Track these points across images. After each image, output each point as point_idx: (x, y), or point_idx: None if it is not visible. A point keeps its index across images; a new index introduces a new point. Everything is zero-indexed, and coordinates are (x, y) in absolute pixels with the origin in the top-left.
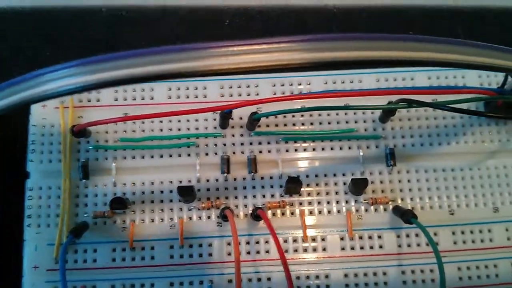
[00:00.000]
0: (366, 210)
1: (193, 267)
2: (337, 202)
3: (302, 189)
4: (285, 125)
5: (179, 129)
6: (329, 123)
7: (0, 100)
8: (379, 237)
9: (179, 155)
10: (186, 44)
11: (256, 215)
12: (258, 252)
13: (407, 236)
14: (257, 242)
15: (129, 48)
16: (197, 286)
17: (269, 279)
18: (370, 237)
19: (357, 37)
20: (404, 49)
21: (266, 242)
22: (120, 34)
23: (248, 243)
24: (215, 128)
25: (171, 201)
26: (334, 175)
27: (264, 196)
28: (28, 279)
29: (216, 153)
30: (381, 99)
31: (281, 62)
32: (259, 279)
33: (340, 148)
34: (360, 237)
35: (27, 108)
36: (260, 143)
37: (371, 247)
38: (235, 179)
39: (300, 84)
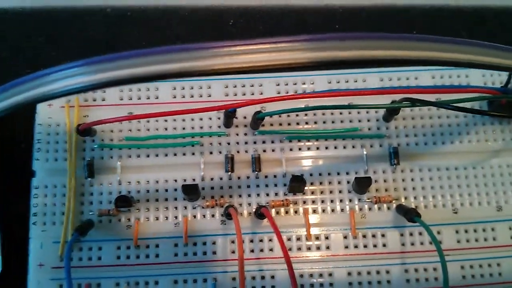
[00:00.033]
0: (369, 209)
1: (197, 265)
2: (341, 200)
3: (305, 188)
4: (289, 124)
5: (183, 128)
6: (333, 122)
7: (7, 99)
8: (383, 235)
9: (184, 154)
10: (189, 44)
11: (260, 213)
12: (261, 250)
13: (411, 234)
14: (261, 240)
15: (130, 48)
16: (201, 284)
17: (272, 277)
18: (373, 236)
19: (360, 36)
20: (407, 48)
21: (270, 240)
22: (121, 34)
23: (252, 241)
24: (219, 127)
25: (175, 199)
26: (338, 173)
27: (268, 195)
28: (33, 276)
29: (220, 152)
30: (385, 98)
31: (285, 62)
32: (262, 277)
33: (344, 147)
34: (364, 236)
35: (33, 108)
36: (264, 142)
37: (375, 246)
38: (239, 178)
39: (304, 84)
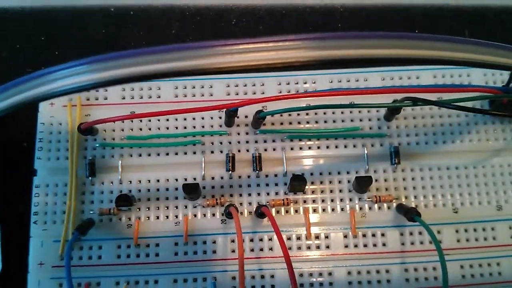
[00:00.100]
0: (370, 208)
1: (197, 264)
2: (341, 200)
3: (306, 187)
4: (290, 123)
5: (185, 127)
6: (334, 121)
7: (8, 98)
8: (383, 235)
9: (185, 153)
10: (192, 42)
11: (260, 212)
12: (261, 250)
13: (411, 234)
14: (261, 240)
15: (130, 48)
16: (200, 283)
17: (272, 276)
18: (373, 235)
19: (362, 35)
20: (408, 47)
21: (270, 239)
22: (121, 34)
23: (252, 240)
24: (220, 126)
25: (176, 198)
26: (339, 173)
27: (268, 194)
28: (33, 275)
29: (221, 151)
30: (386, 97)
31: (287, 60)
32: (262, 276)
33: (345, 146)
34: (364, 235)
35: (35, 107)
36: (265, 141)
37: (375, 245)
38: (240, 177)
39: (305, 83)
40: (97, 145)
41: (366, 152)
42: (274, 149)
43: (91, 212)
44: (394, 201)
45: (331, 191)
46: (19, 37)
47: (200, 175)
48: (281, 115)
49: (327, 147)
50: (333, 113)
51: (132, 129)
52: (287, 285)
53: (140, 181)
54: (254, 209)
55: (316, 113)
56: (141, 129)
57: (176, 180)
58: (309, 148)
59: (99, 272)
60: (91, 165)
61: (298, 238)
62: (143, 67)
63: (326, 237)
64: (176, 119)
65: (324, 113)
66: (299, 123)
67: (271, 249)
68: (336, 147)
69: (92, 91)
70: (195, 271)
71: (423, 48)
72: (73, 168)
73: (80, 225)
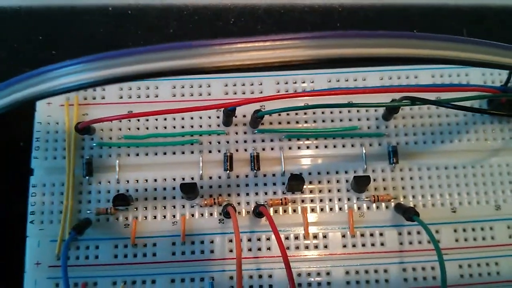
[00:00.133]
0: (368, 208)
1: (194, 263)
2: (339, 199)
3: (304, 187)
4: (288, 122)
5: (182, 127)
6: (332, 120)
7: (5, 97)
8: (381, 234)
9: (183, 153)
10: (190, 41)
11: (258, 212)
12: (259, 249)
13: (409, 233)
14: (259, 239)
15: (129, 47)
16: (198, 283)
17: (270, 276)
18: (371, 235)
19: (361, 34)
20: (407, 46)
21: (268, 239)
22: (120, 33)
23: (250, 240)
24: (218, 125)
25: (173, 198)
26: (337, 172)
27: (266, 194)
28: (30, 275)
29: (219, 151)
30: (384, 97)
31: (285, 59)
32: (260, 276)
33: (343, 146)
34: (362, 235)
35: (32, 106)
36: (263, 141)
37: (373, 245)
38: (237, 176)
39: (303, 82)
40: (94, 144)
41: (364, 151)
42: (272, 149)
43: (88, 211)
44: (392, 200)
45: (329, 191)
46: (16, 37)
47: (197, 175)
48: (279, 115)
49: (325, 146)
50: (331, 112)
51: (129, 129)
52: (285, 285)
53: (137, 180)
54: (252, 209)
55: (314, 113)
56: (138, 129)
57: (174, 179)
58: (307, 147)
59: (96, 272)
60: (88, 164)
61: (296, 237)
62: (140, 65)
63: (324, 236)
64: (174, 119)
65: (322, 113)
66: (297, 122)
67: (269, 248)
68: (334, 146)
69: (90, 91)
70: (192, 271)
71: (422, 47)
72: (70, 167)
73: (77, 225)
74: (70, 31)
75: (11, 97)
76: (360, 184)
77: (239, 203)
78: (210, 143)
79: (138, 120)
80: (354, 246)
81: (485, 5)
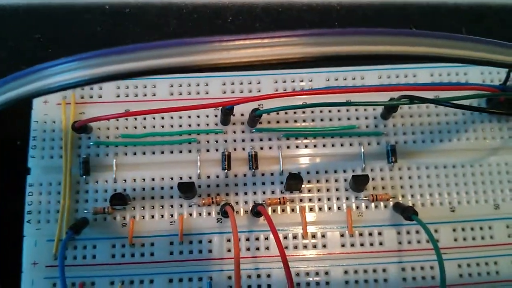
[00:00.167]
0: (366, 207)
1: (192, 263)
2: (338, 198)
3: (302, 186)
4: (287, 121)
5: (180, 125)
6: (330, 119)
7: (3, 94)
8: (380, 233)
9: (180, 152)
10: (188, 38)
11: (257, 211)
12: (258, 249)
13: (408, 233)
14: (257, 239)
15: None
16: (196, 283)
17: (268, 275)
18: (370, 234)
19: (359, 31)
20: (405, 44)
21: (266, 238)
22: (118, 32)
23: (248, 239)
24: (216, 124)
25: (171, 197)
26: (335, 171)
27: (264, 193)
28: (27, 275)
29: (217, 150)
30: (383, 95)
31: (283, 56)
32: (258, 276)
33: (341, 145)
34: (360, 234)
35: (29, 104)
36: (261, 140)
37: (371, 244)
38: (235, 176)
39: (302, 81)
40: (91, 143)
41: (362, 150)
42: (270, 148)
43: (85, 211)
44: (391, 199)
45: (327, 190)
46: (15, 35)
47: (195, 174)
48: (277, 113)
49: (324, 145)
50: (329, 111)
51: (126, 127)
52: (283, 285)
53: (135, 179)
54: (250, 208)
55: (312, 111)
56: (136, 127)
57: (172, 178)
58: (306, 146)
59: (94, 271)
60: (85, 163)
61: (295, 237)
62: (138, 63)
63: (323, 236)
64: (172, 117)
65: (321, 111)
66: (295, 121)
67: (267, 248)
68: (333, 145)
69: (87, 89)
70: (190, 270)
71: (421, 45)
72: (67, 166)
73: (74, 224)
74: (69, 30)
75: (6, 95)
76: (359, 183)
77: (237, 203)
78: (208, 142)
79: (136, 119)
80: (352, 245)
81: (485, 4)
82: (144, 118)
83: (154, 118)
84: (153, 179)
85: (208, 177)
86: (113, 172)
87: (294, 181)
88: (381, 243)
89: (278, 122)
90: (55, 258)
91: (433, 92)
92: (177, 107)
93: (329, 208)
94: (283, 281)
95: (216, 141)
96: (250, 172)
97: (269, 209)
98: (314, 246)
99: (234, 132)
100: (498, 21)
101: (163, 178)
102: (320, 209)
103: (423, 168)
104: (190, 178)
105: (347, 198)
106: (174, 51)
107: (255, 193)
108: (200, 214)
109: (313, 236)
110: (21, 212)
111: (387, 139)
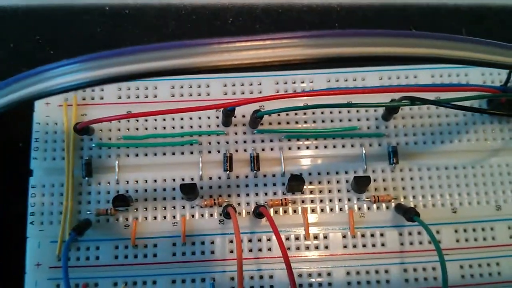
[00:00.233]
0: (368, 208)
1: (195, 264)
2: (340, 200)
3: (304, 187)
4: (288, 123)
5: (182, 127)
6: (331, 121)
7: (5, 96)
8: (381, 235)
9: (182, 153)
10: (188, 40)
11: (259, 212)
12: (260, 250)
13: (410, 234)
14: (259, 240)
15: (127, 47)
16: (199, 284)
17: (271, 276)
18: (372, 235)
19: (359, 33)
20: (406, 45)
21: (269, 239)
22: (118, 33)
23: (250, 240)
24: (218, 126)
25: (173, 198)
26: (337, 173)
27: (266, 194)
28: (30, 276)
29: (218, 151)
30: (384, 97)
31: (284, 58)
32: (261, 277)
33: (343, 146)
34: (362, 235)
35: (31, 106)
36: (262, 141)
37: (373, 245)
38: (237, 177)
39: (303, 82)
40: (93, 145)
41: (364, 152)
42: (272, 149)
43: (88, 212)
44: (392, 201)
45: (329, 191)
46: (14, 36)
47: (197, 175)
48: (279, 115)
49: (325, 147)
50: (330, 112)
51: (128, 129)
52: (286, 286)
53: (137, 181)
54: (252, 209)
55: (313, 113)
56: (137, 129)
57: (174, 180)
58: (307, 148)
59: (97, 273)
60: (88, 165)
61: (297, 238)
62: (139, 65)
63: (325, 237)
64: (173, 119)
65: (322, 113)
66: (296, 122)
67: (269, 249)
68: (334, 147)
69: (88, 91)
70: (193, 271)
71: (421, 46)
72: (70, 168)
73: (77, 226)
74: (69, 31)
75: (8, 97)
76: (360, 184)
77: (239, 204)
78: (209, 143)
79: (137, 120)
80: (354, 246)
81: (485, 5)
82: (146, 120)
83: (155, 120)
84: (155, 181)
85: (210, 178)
86: (116, 173)
87: (295, 183)
88: (383, 244)
89: (279, 123)
90: (59, 259)
91: (434, 93)
92: (179, 109)
93: (331, 209)
94: (286, 282)
95: (218, 143)
96: (252, 173)
97: (271, 210)
98: (316, 247)
99: (236, 134)
100: (498, 22)
101: (165, 180)
102: (322, 210)
103: (424, 169)
104: (192, 179)
105: (349, 199)
106: (175, 53)
107: (257, 194)
108: (202, 215)
109: (315, 237)
110: (24, 214)
111: (388, 140)
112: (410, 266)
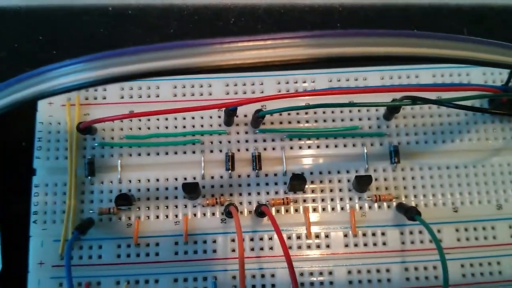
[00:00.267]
0: (369, 207)
1: (197, 263)
2: (341, 199)
3: (306, 186)
4: (290, 122)
5: (184, 127)
6: (333, 120)
7: (6, 97)
8: (383, 234)
9: (184, 152)
10: (190, 40)
11: (260, 211)
12: (262, 249)
13: (411, 233)
14: (261, 239)
15: (129, 47)
16: (201, 282)
17: (273, 275)
18: (373, 234)
19: (361, 33)
20: (407, 45)
21: (270, 238)
22: (120, 33)
23: (252, 239)
24: (219, 125)
25: (176, 197)
26: (338, 172)
27: (268, 193)
28: (33, 275)
29: (220, 150)
30: (385, 96)
31: (286, 58)
32: (262, 276)
33: (344, 146)
34: (364, 234)
35: (33, 106)
36: (264, 140)
37: (375, 244)
38: (239, 176)
39: (304, 82)
40: (96, 144)
41: (365, 151)
42: (273, 148)
43: (91, 211)
44: (394, 200)
45: (331, 190)
46: (16, 37)
47: (199, 175)
48: (281, 114)
49: (327, 146)
50: (332, 112)
51: (131, 129)
52: (287, 284)
53: (139, 180)
54: (254, 208)
55: (315, 112)
56: (140, 129)
57: (176, 179)
58: (309, 147)
59: (99, 271)
60: (90, 164)
61: (298, 237)
62: (141, 64)
63: (326, 236)
64: (175, 118)
65: (324, 112)
66: (298, 122)
67: (271, 248)
68: (336, 146)
69: (91, 90)
70: (195, 270)
71: (423, 46)
72: (72, 167)
73: (80, 225)
74: (70, 31)
75: (11, 97)
76: (362, 183)
77: (241, 203)
78: (211, 143)
79: (140, 120)
80: (356, 245)
81: (486, 5)
82: (148, 119)
83: (158, 119)
84: (157, 180)
85: (212, 177)
86: (118, 172)
87: (297, 182)
88: (384, 243)
89: (281, 123)
90: (61, 258)
91: (436, 92)
92: (181, 108)
93: (333, 209)
94: (287, 281)
95: (220, 142)
96: (253, 172)
97: (273, 210)
98: (318, 246)
99: (238, 133)
100: (499, 22)
101: (167, 179)
102: (323, 209)
103: (426, 169)
104: (194, 178)
105: (350, 199)
106: (177, 53)
107: (258, 193)
108: (204, 214)
109: (317, 236)
110: (26, 213)
111: (390, 139)
112: (411, 265)
